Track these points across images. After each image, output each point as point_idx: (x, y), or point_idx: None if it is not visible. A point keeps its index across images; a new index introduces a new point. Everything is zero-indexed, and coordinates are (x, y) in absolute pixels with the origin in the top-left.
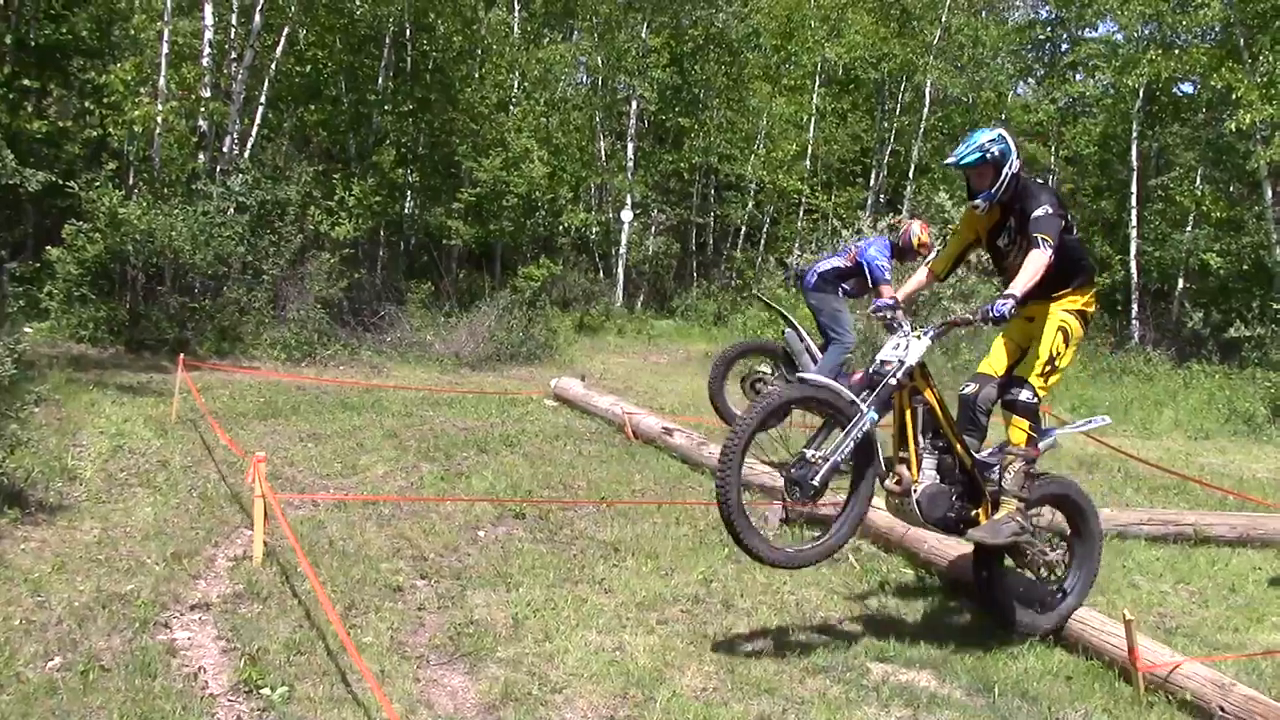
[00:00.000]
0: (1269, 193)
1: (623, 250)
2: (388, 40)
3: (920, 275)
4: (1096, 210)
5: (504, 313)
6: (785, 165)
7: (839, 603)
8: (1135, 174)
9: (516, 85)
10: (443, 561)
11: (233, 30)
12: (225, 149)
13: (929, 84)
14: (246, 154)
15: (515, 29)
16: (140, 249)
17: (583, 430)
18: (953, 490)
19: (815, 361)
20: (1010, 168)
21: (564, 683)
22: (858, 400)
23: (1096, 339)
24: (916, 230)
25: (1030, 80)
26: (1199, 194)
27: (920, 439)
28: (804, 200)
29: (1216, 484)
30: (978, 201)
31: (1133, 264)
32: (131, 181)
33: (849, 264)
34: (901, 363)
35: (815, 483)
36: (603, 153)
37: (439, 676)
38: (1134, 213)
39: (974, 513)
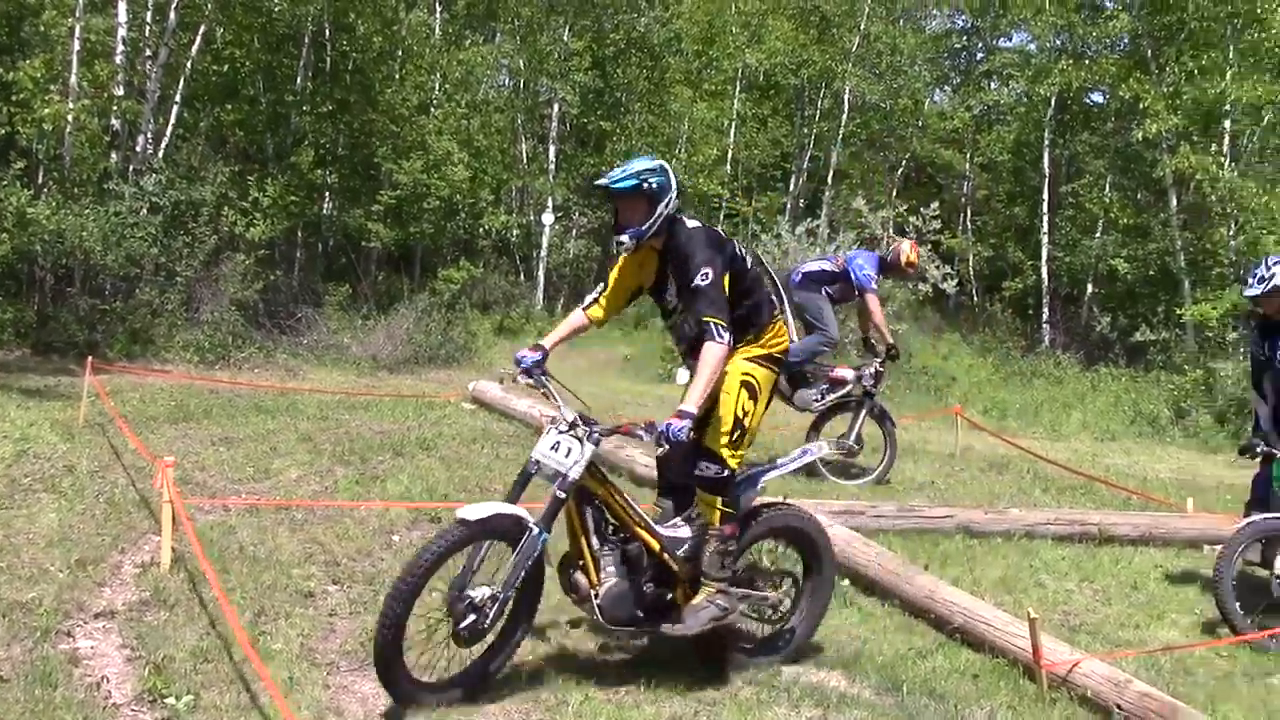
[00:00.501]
0: (1174, 200)
1: (544, 253)
2: (307, 40)
3: (576, 318)
4: (1010, 216)
5: (423, 315)
6: (706, 169)
7: None
8: (1047, 181)
9: (437, 87)
10: (356, 567)
11: (147, 28)
12: (139, 148)
13: (848, 90)
14: (160, 154)
15: (436, 30)
16: (49, 250)
17: (501, 433)
18: (643, 581)
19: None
20: (667, 206)
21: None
22: (526, 519)
23: (1009, 343)
24: (906, 249)
25: (946, 88)
26: (1108, 201)
27: (594, 541)
28: (724, 204)
29: (1121, 484)
30: (624, 238)
31: (1044, 269)
32: (41, 181)
33: (836, 269)
34: (564, 476)
35: (485, 628)
36: (524, 155)
37: (349, 683)
38: (1045, 219)
39: (670, 597)
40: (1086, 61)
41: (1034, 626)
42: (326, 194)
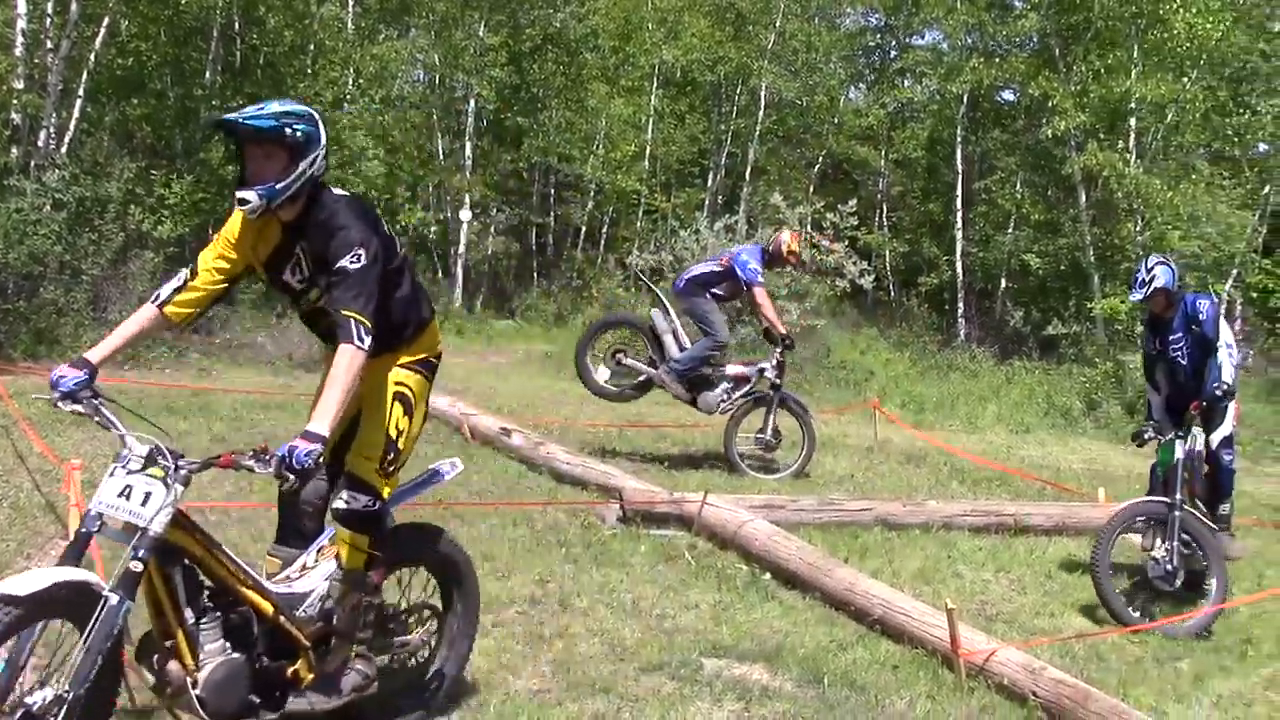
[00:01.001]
0: (1083, 196)
1: (461, 250)
2: (216, 33)
3: (144, 317)
4: (925, 212)
5: None
6: (624, 166)
7: (674, 600)
8: (960, 177)
9: (351, 82)
10: None
11: (48, 19)
12: (40, 143)
13: (764, 87)
14: (64, 149)
15: (349, 25)
16: None
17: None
18: (252, 655)
19: (681, 349)
20: (313, 165)
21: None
22: (98, 585)
23: (925, 337)
24: (786, 238)
25: (861, 85)
26: (1019, 197)
27: (187, 612)
28: (643, 201)
29: (1035, 475)
30: (249, 196)
31: (958, 264)
32: None
33: (721, 268)
34: (142, 531)
35: None
36: (441, 151)
37: None
38: (959, 215)
39: (291, 670)
40: (997, 60)
41: (951, 617)
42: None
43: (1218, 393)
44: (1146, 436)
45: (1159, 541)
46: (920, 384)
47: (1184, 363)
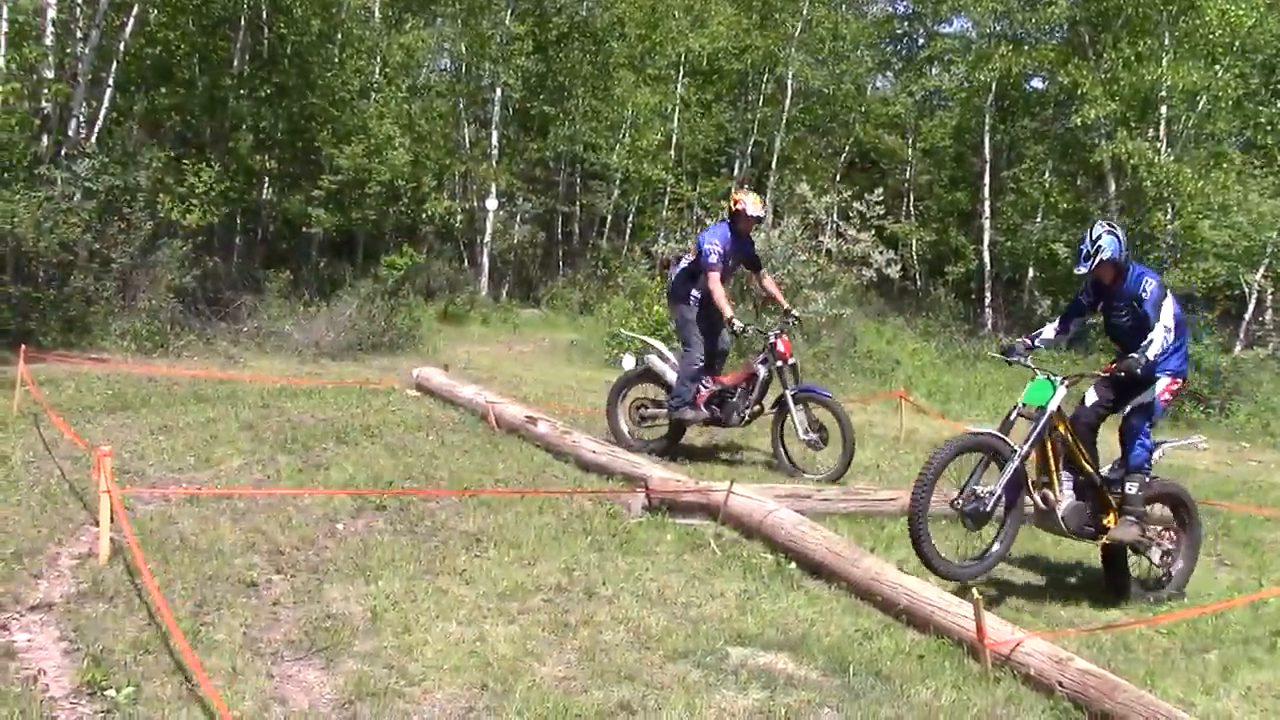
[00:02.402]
0: (1112, 185)
1: (487, 239)
2: (243, 22)
3: None
4: (952, 201)
5: (365, 302)
6: (650, 155)
7: (699, 589)
8: (988, 166)
9: (378, 71)
10: (299, 556)
11: (78, 9)
12: (71, 133)
13: (790, 76)
14: (94, 138)
15: (376, 14)
16: None
17: (445, 420)
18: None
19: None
20: None
21: (422, 675)
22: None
23: (952, 327)
24: (740, 199)
25: (888, 74)
26: (1047, 186)
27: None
28: (669, 190)
29: None
30: None
31: (986, 253)
32: None
33: (693, 257)
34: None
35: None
36: (467, 140)
37: (293, 672)
38: (987, 204)
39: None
40: (1026, 48)
41: (978, 607)
42: (266, 179)
43: (1136, 369)
44: (1012, 359)
45: (986, 477)
46: (947, 373)
47: (1125, 329)
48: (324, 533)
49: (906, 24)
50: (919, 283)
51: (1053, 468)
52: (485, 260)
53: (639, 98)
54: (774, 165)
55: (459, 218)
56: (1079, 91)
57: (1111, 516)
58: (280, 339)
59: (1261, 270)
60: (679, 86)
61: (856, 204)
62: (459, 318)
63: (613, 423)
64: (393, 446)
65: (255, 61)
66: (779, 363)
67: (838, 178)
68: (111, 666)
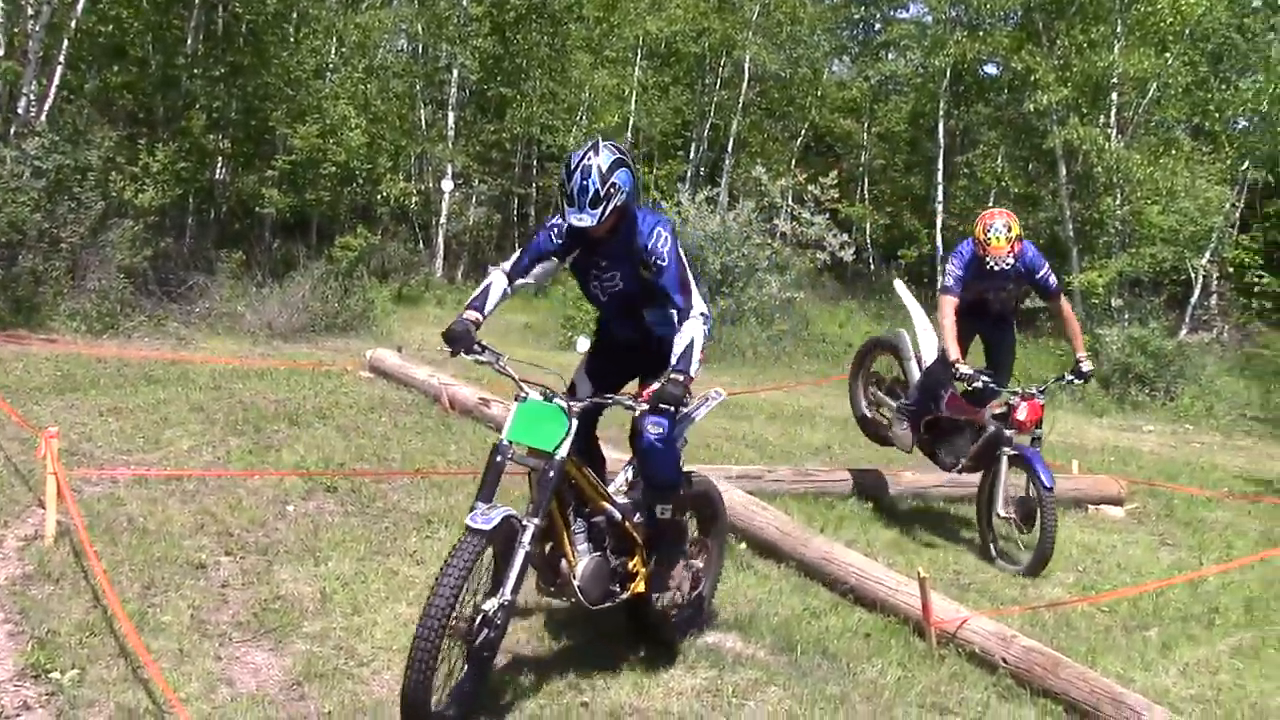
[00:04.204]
0: (1063, 170)
1: (443, 220)
2: (197, 1)
3: None
4: (906, 185)
5: (319, 283)
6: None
7: None
8: (942, 151)
9: (334, 51)
10: (249, 537)
11: None
12: (20, 111)
13: (748, 60)
14: (44, 116)
15: None
16: None
17: (398, 401)
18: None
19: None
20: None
21: (371, 656)
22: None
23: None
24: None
25: (845, 58)
26: (1000, 171)
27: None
28: None
29: None
30: None
31: (939, 237)
32: None
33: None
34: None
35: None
36: (423, 121)
37: (241, 654)
38: (940, 188)
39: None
40: (980, 34)
41: (924, 586)
42: (219, 159)
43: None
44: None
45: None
46: None
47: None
48: (274, 514)
49: (863, 9)
50: (873, 266)
51: (562, 526)
52: (440, 242)
53: (596, 80)
54: (730, 148)
55: (414, 199)
56: (1032, 78)
57: (638, 559)
58: (233, 320)
59: (1207, 255)
60: (636, 69)
61: (812, 187)
62: (414, 299)
63: (853, 395)
64: (345, 428)
65: (209, 40)
66: (1014, 432)
67: (793, 161)
68: (56, 649)
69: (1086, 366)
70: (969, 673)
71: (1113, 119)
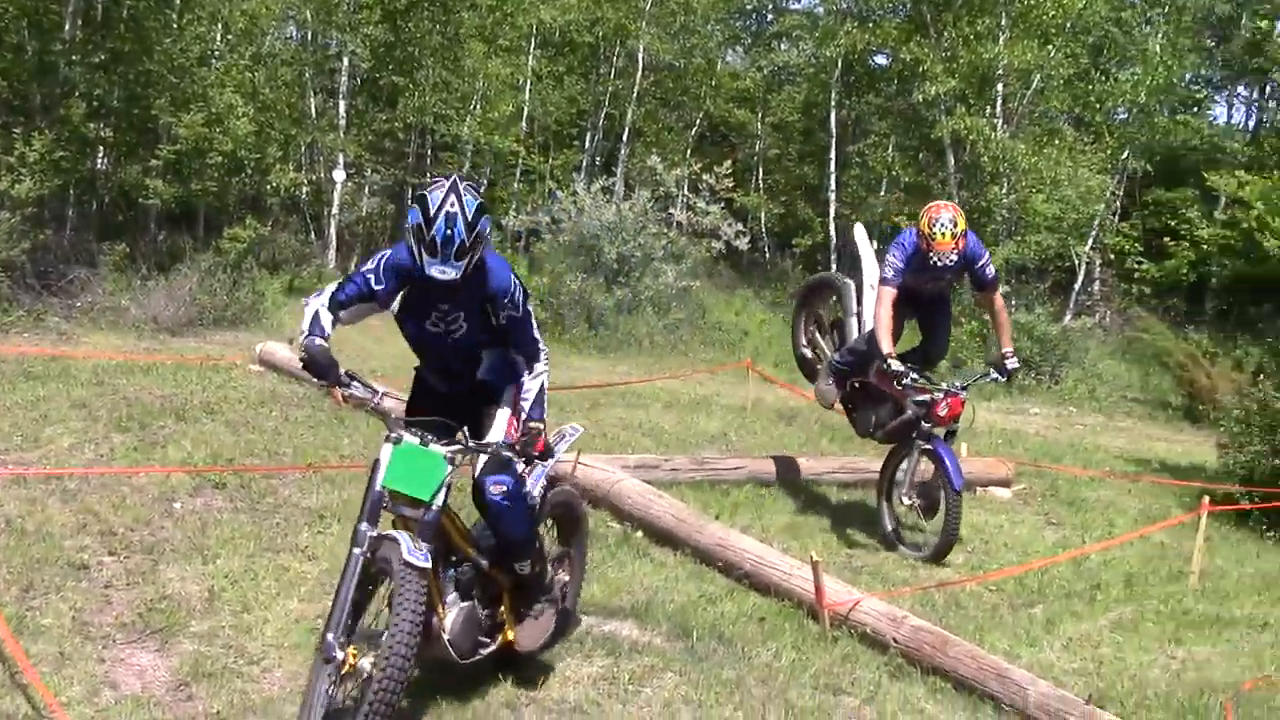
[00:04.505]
0: (951, 160)
1: (335, 211)
2: None
3: None
4: (800, 175)
5: (207, 275)
6: (501, 127)
7: None
8: (834, 140)
9: (219, 38)
10: (133, 536)
11: None
12: None
13: (642, 49)
14: None
15: None
16: None
17: (290, 396)
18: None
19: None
20: None
21: (262, 654)
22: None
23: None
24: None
25: (739, 48)
26: (891, 160)
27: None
28: (521, 162)
29: None
30: None
31: (832, 226)
32: None
33: None
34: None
35: None
36: (313, 110)
37: (125, 655)
38: (833, 177)
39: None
40: (870, 25)
41: (817, 569)
42: (100, 148)
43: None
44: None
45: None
46: None
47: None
48: (160, 512)
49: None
50: (767, 255)
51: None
52: (333, 233)
53: (490, 69)
54: (626, 138)
55: (305, 189)
56: (920, 68)
57: (504, 607)
58: (116, 314)
59: (1090, 242)
60: (530, 58)
61: (707, 177)
62: (305, 291)
63: (794, 333)
64: (234, 423)
65: (89, 26)
66: (932, 425)
67: (689, 151)
68: None
69: (1012, 364)
70: (861, 653)
71: (998, 109)
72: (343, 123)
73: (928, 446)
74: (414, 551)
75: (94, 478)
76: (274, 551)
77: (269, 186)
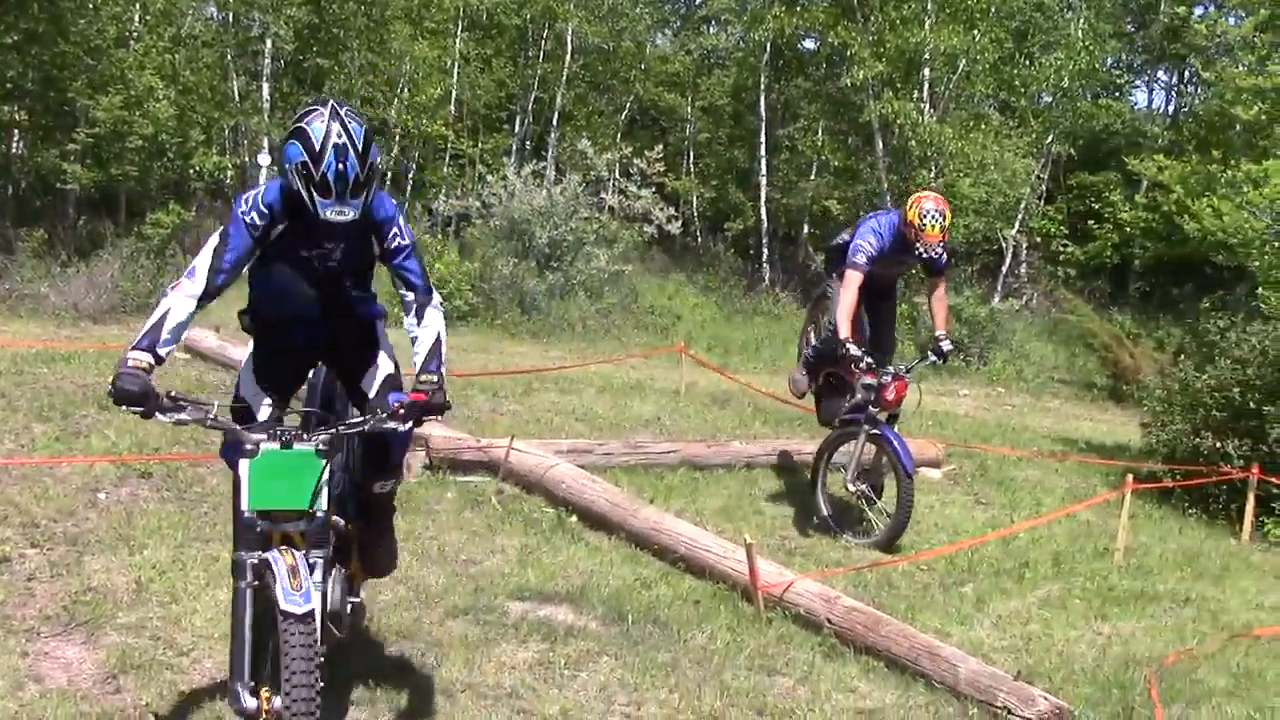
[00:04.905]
0: (880, 144)
1: None
2: None
3: None
4: (730, 159)
5: (129, 262)
6: (430, 110)
7: (480, 545)
8: (764, 124)
9: (137, 19)
10: (56, 527)
11: None
12: None
13: (570, 32)
14: None
15: None
16: None
17: (217, 383)
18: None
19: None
20: None
21: (191, 645)
22: None
23: (731, 282)
24: None
25: (668, 31)
26: (820, 144)
27: None
28: (450, 146)
29: None
30: None
31: (763, 210)
32: None
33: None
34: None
35: None
36: (236, 93)
37: (50, 649)
38: (764, 162)
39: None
40: (798, 8)
41: (750, 551)
42: (15, 132)
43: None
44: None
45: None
46: (726, 327)
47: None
48: (84, 503)
49: None
50: (699, 239)
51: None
52: None
53: (417, 51)
54: (556, 122)
55: (230, 174)
56: (849, 53)
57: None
58: (36, 301)
59: (1016, 225)
60: (458, 41)
61: (638, 161)
62: None
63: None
64: None
65: (1, 6)
66: (879, 410)
67: (619, 135)
68: None
69: (946, 346)
70: (795, 634)
71: (925, 94)
72: (267, 106)
73: (875, 431)
74: (291, 597)
75: (14, 469)
76: (203, 541)
77: (192, 171)
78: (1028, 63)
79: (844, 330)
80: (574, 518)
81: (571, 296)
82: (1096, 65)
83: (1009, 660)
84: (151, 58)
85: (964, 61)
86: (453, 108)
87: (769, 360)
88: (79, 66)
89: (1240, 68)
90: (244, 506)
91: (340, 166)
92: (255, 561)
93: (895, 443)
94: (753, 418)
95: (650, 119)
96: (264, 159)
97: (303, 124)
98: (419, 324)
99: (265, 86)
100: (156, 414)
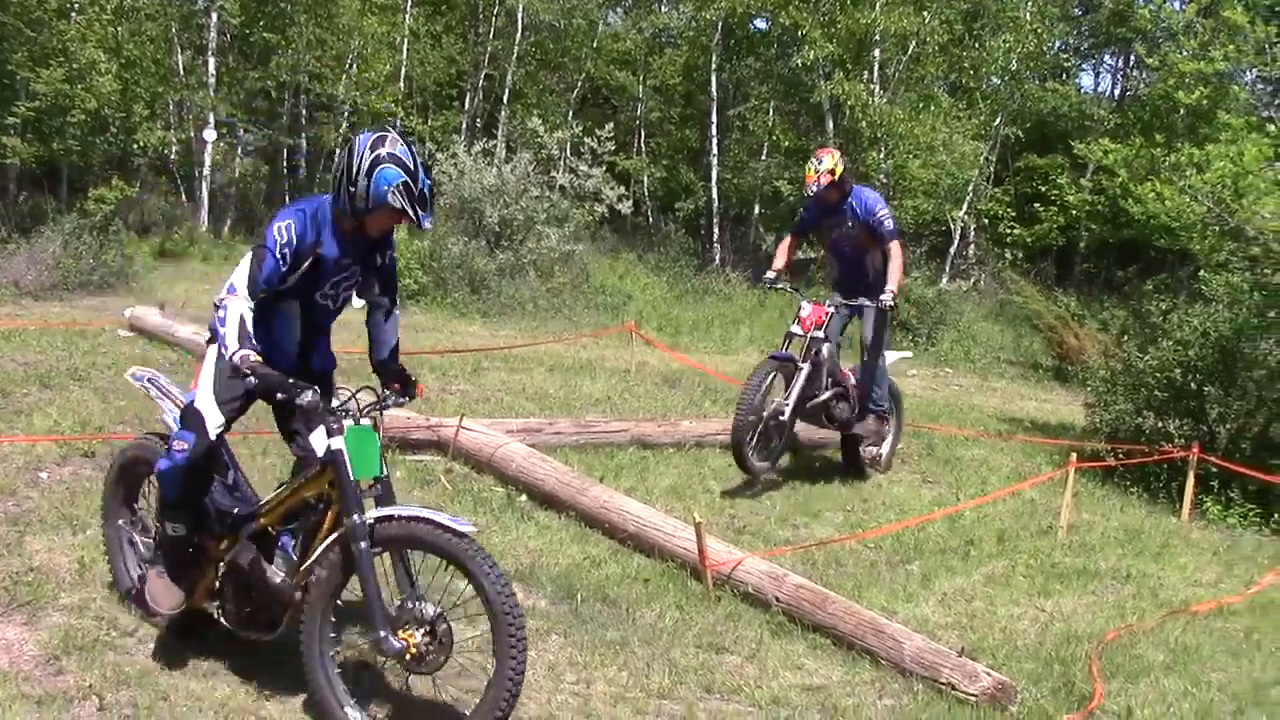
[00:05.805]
0: (830, 124)
1: (206, 172)
2: None
3: None
4: (682, 139)
5: (71, 238)
6: (379, 87)
7: None
8: (715, 104)
9: None
10: None
11: None
12: None
13: (521, 8)
14: None
15: None
16: None
17: (162, 361)
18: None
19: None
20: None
21: (135, 625)
22: None
23: (682, 261)
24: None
25: (619, 9)
26: (771, 125)
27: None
28: (399, 123)
29: None
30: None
31: (714, 190)
32: None
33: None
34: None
35: None
36: (181, 67)
37: None
38: (715, 142)
39: None
40: None
41: (699, 530)
42: None
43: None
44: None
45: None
46: (677, 307)
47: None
48: (25, 482)
49: None
50: (650, 219)
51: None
52: (205, 194)
53: (366, 27)
54: (506, 100)
55: (175, 149)
56: (800, 33)
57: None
58: None
59: (964, 207)
60: (407, 16)
61: (589, 140)
62: (177, 254)
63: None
64: (103, 390)
65: None
66: (801, 333)
67: (570, 113)
68: None
69: (884, 298)
70: (744, 612)
71: (876, 75)
72: (212, 81)
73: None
74: (458, 520)
75: None
76: None
77: (136, 146)
78: (977, 45)
79: (776, 264)
80: (524, 497)
81: (522, 276)
82: (1045, 48)
83: (954, 637)
84: (94, 30)
85: (914, 43)
86: (402, 84)
87: (719, 340)
88: (19, 39)
89: (1183, 53)
90: (350, 476)
91: (430, 182)
92: (368, 521)
93: (825, 350)
94: (703, 397)
95: (601, 98)
96: (209, 135)
97: (389, 150)
98: (385, 323)
99: (211, 61)
100: (295, 394)
